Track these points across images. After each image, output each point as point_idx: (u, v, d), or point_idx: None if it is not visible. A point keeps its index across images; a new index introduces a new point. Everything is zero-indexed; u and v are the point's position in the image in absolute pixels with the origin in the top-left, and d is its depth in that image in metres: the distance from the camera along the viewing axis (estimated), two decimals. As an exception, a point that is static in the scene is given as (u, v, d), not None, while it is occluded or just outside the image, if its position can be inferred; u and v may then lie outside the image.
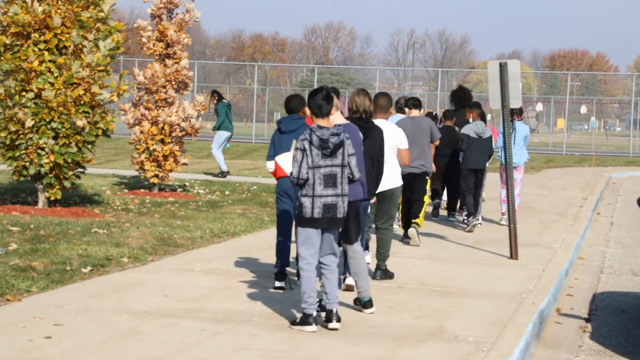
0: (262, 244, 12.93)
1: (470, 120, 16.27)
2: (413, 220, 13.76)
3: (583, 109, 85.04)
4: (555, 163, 39.70)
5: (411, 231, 13.69)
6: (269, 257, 11.88)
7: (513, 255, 12.69)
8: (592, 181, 29.25)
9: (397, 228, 14.97)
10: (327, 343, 7.71)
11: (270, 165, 9.88)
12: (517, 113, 16.31)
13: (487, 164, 16.38)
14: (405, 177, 12.78)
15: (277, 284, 9.87)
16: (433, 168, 14.48)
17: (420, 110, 14.36)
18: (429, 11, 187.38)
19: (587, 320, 10.19)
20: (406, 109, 14.59)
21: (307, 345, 7.61)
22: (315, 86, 53.73)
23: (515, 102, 12.81)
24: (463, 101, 17.89)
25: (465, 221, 15.98)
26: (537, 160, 39.32)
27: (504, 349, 7.77)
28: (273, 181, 23.60)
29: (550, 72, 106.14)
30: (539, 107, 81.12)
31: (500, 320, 8.83)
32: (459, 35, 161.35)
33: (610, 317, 10.41)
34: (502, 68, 12.67)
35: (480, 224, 16.41)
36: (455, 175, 16.72)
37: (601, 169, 36.45)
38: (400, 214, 14.41)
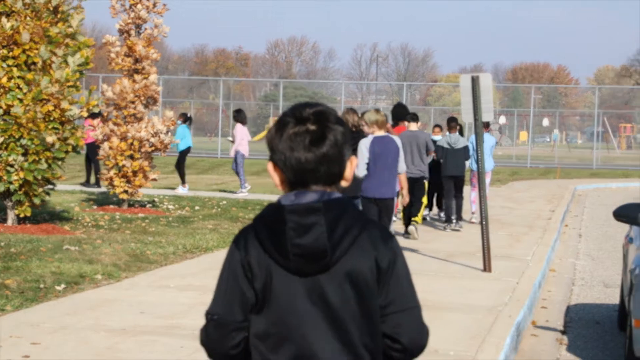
0: (236, 260, 12.87)
1: (447, 133, 18.47)
2: (413, 219, 16.04)
3: (545, 122, 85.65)
4: (521, 175, 39.92)
5: (411, 228, 15.95)
6: (244, 272, 11.85)
7: (486, 267, 12.73)
8: (558, 193, 29.44)
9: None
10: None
11: None
12: (484, 125, 17.55)
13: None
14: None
15: None
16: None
17: (417, 123, 17.15)
18: (392, 25, 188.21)
19: (563, 332, 10.24)
20: (406, 123, 17.14)
21: None
22: (281, 101, 53.69)
23: (487, 115, 12.88)
24: (400, 115, 18.43)
25: (445, 223, 17.99)
26: (502, 173, 39.52)
27: (484, 363, 7.79)
28: (242, 196, 23.51)
29: (513, 85, 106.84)
30: (502, 120, 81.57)
31: (478, 333, 8.85)
32: (422, 49, 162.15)
33: (585, 329, 10.46)
34: (474, 82, 12.73)
35: (461, 227, 18.21)
36: (436, 181, 18.72)
37: (566, 181, 36.70)
38: (402, 213, 16.49)
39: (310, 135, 2.84)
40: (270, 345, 2.87)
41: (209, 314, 2.95)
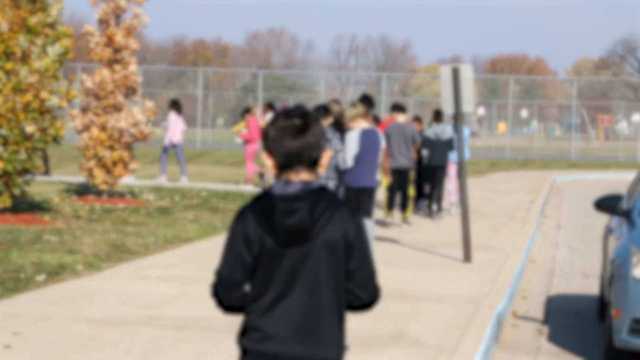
0: (216, 250, 12.84)
1: (434, 123, 18.85)
2: (405, 215, 17.08)
3: (524, 113, 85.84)
4: (500, 167, 40.02)
5: (404, 224, 17.01)
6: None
7: (467, 258, 12.77)
8: (537, 185, 29.53)
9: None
10: (290, 349, 7.68)
11: None
12: None
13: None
14: (393, 171, 16.34)
15: None
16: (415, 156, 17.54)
17: (405, 114, 17.53)
18: (370, 16, 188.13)
19: (543, 322, 10.29)
20: (393, 114, 17.52)
21: (270, 351, 7.57)
22: (260, 91, 53.57)
23: (467, 106, 12.90)
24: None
25: (420, 206, 19.30)
26: (481, 164, 39.59)
27: (465, 353, 7.82)
28: (222, 187, 23.50)
29: (491, 77, 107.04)
30: (481, 111, 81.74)
31: (459, 324, 8.88)
32: (401, 39, 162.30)
33: (565, 320, 10.51)
34: (455, 73, 12.75)
35: (442, 217, 18.61)
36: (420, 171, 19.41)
37: (545, 173, 36.81)
38: (386, 201, 16.89)
39: (296, 128, 3.74)
40: (260, 295, 3.77)
41: (217, 274, 3.80)
